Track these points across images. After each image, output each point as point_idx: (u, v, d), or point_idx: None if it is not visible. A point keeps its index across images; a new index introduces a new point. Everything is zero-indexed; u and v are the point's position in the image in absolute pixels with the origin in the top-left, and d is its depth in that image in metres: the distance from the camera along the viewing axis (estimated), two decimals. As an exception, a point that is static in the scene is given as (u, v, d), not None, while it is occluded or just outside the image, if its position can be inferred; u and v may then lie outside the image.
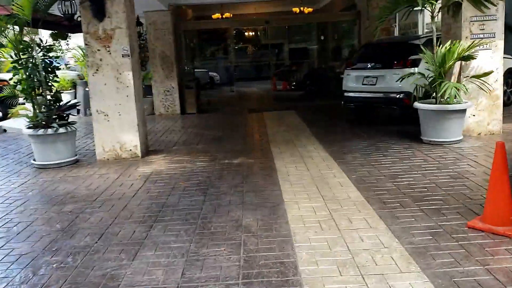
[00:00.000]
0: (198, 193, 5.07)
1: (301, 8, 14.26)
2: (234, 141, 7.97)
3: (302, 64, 17.36)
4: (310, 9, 14.32)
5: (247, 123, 10.11)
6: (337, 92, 12.81)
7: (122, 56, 6.76)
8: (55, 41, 16.08)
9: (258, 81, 20.51)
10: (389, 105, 8.35)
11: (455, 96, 6.58)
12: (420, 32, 17.07)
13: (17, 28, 6.53)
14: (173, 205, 4.73)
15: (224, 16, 14.06)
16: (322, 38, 17.51)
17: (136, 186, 5.51)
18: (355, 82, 8.79)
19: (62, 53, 15.72)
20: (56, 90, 6.86)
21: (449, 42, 6.81)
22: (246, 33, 20.64)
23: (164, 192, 5.20)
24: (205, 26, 13.26)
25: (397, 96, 8.05)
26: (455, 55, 6.67)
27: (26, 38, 6.52)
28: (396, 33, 14.29)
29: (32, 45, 6.48)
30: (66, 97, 15.36)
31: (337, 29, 16.48)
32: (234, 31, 18.80)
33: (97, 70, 6.78)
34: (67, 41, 15.92)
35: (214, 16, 14.26)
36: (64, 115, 6.79)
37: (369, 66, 8.59)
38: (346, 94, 9.03)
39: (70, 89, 13.87)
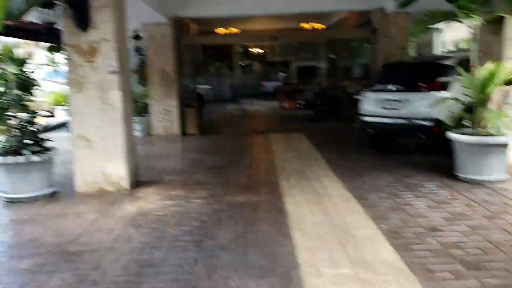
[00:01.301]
0: (190, 246, 4.05)
1: (312, 25, 13.41)
2: (237, 171, 6.98)
3: (310, 83, 16.46)
4: (323, 26, 13.47)
5: (252, 147, 9.13)
6: (348, 114, 11.91)
7: (109, 73, 5.82)
8: (51, 54, 15.28)
9: (264, 99, 19.63)
10: (415, 133, 7.35)
11: (499, 126, 5.58)
12: (434, 52, 16.16)
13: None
14: (157, 264, 3.71)
15: (229, 32, 13.22)
16: (332, 56, 16.65)
17: (117, 231, 4.50)
18: (374, 105, 7.81)
19: (57, 66, 14.85)
20: (32, 110, 5.90)
21: (489, 64, 5.84)
22: (252, 50, 19.82)
23: (148, 242, 4.19)
24: (209, 41, 12.42)
25: (425, 124, 7.05)
26: (498, 79, 5.69)
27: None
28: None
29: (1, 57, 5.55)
30: (62, 114, 14.55)
31: (349, 47, 15.61)
32: (240, 47, 18.01)
33: (79, 88, 5.83)
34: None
35: (219, 31, 13.43)
36: (39, 139, 5.82)
37: (391, 88, 7.61)
38: (363, 118, 8.04)
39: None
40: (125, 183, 5.98)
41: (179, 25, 11.50)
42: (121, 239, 4.29)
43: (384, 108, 7.61)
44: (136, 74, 12.83)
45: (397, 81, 7.61)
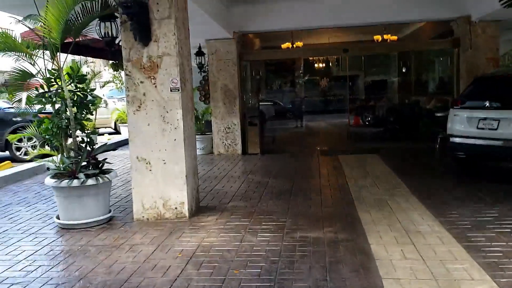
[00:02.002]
0: (259, 297, 3.35)
1: (384, 37, 12.48)
2: (306, 198, 6.21)
3: (381, 98, 15.41)
4: (395, 37, 12.49)
5: (320, 170, 8.33)
6: (427, 133, 10.79)
7: (171, 91, 5.33)
8: (115, 72, 15.46)
9: (330, 116, 18.73)
10: (517, 157, 6.25)
11: None
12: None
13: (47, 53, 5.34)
14: (221, 321, 3.03)
15: (295, 46, 12.61)
16: (405, 69, 15.50)
17: (174, 271, 3.89)
18: (466, 125, 6.78)
19: (121, 83, 14.95)
20: (90, 130, 5.53)
21: None
22: (317, 64, 19.04)
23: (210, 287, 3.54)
24: (273, 56, 11.84)
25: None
26: None
27: (54, 66, 5.29)
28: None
29: (60, 75, 5.22)
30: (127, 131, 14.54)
31: (424, 59, 14.45)
32: (305, 62, 17.35)
33: (139, 107, 5.39)
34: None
35: (283, 46, 12.86)
36: (96, 161, 5.41)
37: (487, 105, 6.56)
38: (452, 140, 7.03)
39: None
40: (185, 209, 5.42)
41: (243, 41, 11.05)
42: (178, 282, 3.67)
43: (479, 128, 6.57)
44: (198, 91, 12.58)
45: (494, 97, 6.55)
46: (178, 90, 5.35)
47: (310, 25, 10.40)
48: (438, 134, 10.02)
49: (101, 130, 15.66)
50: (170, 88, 5.34)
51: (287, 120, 17.00)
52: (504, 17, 9.15)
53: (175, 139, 5.36)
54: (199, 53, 11.02)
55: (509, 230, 4.53)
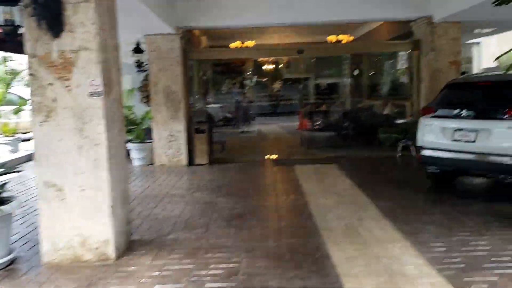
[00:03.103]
0: None
1: (339, 37, 11.77)
2: (263, 226, 5.19)
3: (334, 102, 14.75)
4: (351, 38, 11.82)
5: (275, 186, 7.36)
6: (388, 140, 10.15)
7: (90, 96, 4.13)
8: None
9: (283, 120, 17.92)
10: (499, 173, 5.55)
11: None
12: (474, 70, 14.43)
13: None
14: None
15: (245, 45, 11.61)
16: (358, 72, 14.94)
17: None
18: (440, 136, 6.04)
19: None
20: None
21: None
22: (267, 66, 18.18)
23: None
24: (222, 55, 10.76)
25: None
26: None
27: None
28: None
29: None
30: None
31: (379, 62, 13.92)
32: (256, 63, 16.43)
33: (47, 116, 4.13)
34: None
35: (233, 45, 11.83)
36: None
37: (463, 114, 5.84)
38: (424, 152, 6.27)
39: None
40: (110, 249, 4.23)
41: (188, 38, 9.89)
42: None
43: (454, 140, 5.84)
44: (140, 91, 11.29)
45: (470, 105, 5.85)
46: (100, 95, 4.15)
47: (261, 22, 9.44)
48: (399, 142, 9.41)
49: (29, 135, 13.87)
50: (90, 92, 4.13)
51: (237, 124, 15.96)
52: (467, 18, 8.62)
53: (95, 159, 4.16)
54: (138, 50, 9.75)
55: (507, 269, 3.73)
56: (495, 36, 13.34)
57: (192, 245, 4.58)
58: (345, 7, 9.01)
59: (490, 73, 6.81)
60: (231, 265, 4.03)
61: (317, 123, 14.49)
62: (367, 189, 6.70)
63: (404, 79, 12.40)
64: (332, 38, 11.85)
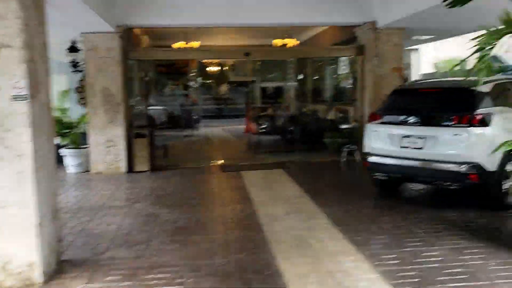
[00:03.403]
0: None
1: (285, 41, 11.67)
2: (209, 240, 4.87)
3: (280, 106, 14.65)
4: (297, 42, 11.76)
5: (221, 193, 7.05)
6: (333, 145, 10.16)
7: (14, 100, 3.63)
8: None
9: (228, 123, 17.60)
10: (444, 180, 5.59)
11: None
12: (413, 76, 14.90)
13: None
14: None
15: (189, 46, 11.20)
16: (303, 76, 14.94)
17: None
18: (388, 143, 6.01)
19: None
20: None
21: None
22: (212, 68, 17.83)
23: None
24: (165, 55, 10.25)
25: (460, 169, 5.32)
26: None
27: None
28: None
29: None
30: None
31: (324, 66, 14.00)
32: (200, 65, 16.05)
33: (-41, 123, 3.58)
34: None
35: (176, 46, 11.38)
36: None
37: (410, 120, 5.85)
38: (371, 159, 6.22)
39: None
40: (36, 273, 3.74)
41: (129, 37, 9.35)
42: None
43: (402, 147, 5.83)
44: (78, 92, 10.58)
45: (417, 112, 5.86)
46: (26, 99, 3.66)
47: (203, 22, 9.08)
48: (344, 147, 9.42)
49: None
50: (12, 96, 3.63)
51: (181, 128, 15.45)
52: (410, 25, 8.77)
53: (19, 172, 3.66)
54: (73, 49, 9.08)
55: (461, 281, 3.67)
56: (432, 43, 13.85)
57: (131, 265, 4.17)
58: (289, 10, 8.88)
59: (435, 80, 6.91)
60: (175, 287, 3.68)
61: (263, 126, 14.35)
62: (316, 195, 6.57)
63: (348, 84, 12.53)
64: (277, 41, 11.73)
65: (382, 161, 6.06)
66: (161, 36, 12.83)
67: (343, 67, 12.45)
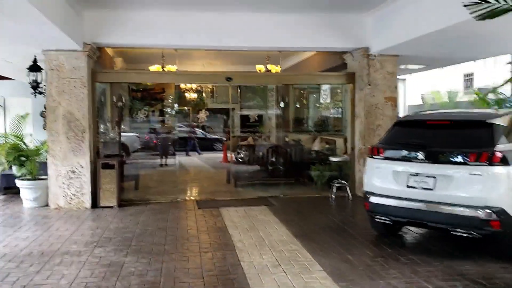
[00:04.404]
0: None
1: (267, 67, 11.00)
2: (185, 301, 3.92)
3: (261, 135, 13.88)
4: (278, 69, 11.10)
5: (199, 237, 6.07)
6: (320, 179, 9.37)
7: None
8: None
9: (205, 151, 16.69)
10: (459, 227, 4.80)
11: None
12: (401, 105, 14.39)
13: None
14: None
15: (166, 70, 10.38)
16: (283, 104, 14.27)
17: None
18: (392, 181, 5.25)
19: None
20: None
21: None
22: (190, 94, 17.02)
23: None
24: (139, 78, 9.31)
25: (479, 214, 4.57)
26: None
27: None
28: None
29: None
30: None
31: (308, 94, 13.38)
32: (178, 90, 15.26)
33: None
34: None
35: (152, 69, 10.55)
36: None
37: (418, 156, 5.10)
38: (373, 199, 5.44)
39: None
40: None
41: (98, 57, 8.47)
42: None
43: (409, 186, 5.07)
44: (42, 117, 9.59)
45: (426, 146, 5.12)
46: None
47: (182, 44, 8.23)
48: (334, 181, 8.66)
49: None
50: None
51: (154, 157, 14.48)
52: (404, 52, 8.22)
53: None
54: (35, 67, 8.13)
55: None
56: (416, 75, 13.46)
57: None
58: (274, 34, 8.20)
59: (444, 111, 6.25)
60: None
61: (242, 155, 13.52)
62: (307, 240, 5.72)
63: (334, 113, 11.90)
64: (260, 68, 11.04)
65: (386, 202, 5.27)
66: (136, 59, 11.99)
67: (329, 95, 11.85)
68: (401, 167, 5.20)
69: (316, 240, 5.75)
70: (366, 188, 5.62)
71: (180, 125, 18.20)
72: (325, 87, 12.21)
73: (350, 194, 8.49)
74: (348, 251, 5.32)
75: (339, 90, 11.35)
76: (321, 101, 12.62)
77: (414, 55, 8.63)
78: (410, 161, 5.16)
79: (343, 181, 8.57)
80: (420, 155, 5.05)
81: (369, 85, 8.46)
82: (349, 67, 9.14)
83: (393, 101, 8.68)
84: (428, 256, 5.10)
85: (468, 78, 22.26)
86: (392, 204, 5.21)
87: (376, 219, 5.53)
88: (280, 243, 5.66)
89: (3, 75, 11.36)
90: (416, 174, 5.04)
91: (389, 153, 5.41)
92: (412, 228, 6.13)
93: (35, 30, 6.25)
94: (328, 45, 8.56)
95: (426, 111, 6.16)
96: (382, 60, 8.48)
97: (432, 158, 4.99)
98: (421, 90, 15.05)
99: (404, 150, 5.26)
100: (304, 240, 5.75)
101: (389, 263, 4.89)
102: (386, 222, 5.44)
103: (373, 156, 5.56)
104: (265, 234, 6.06)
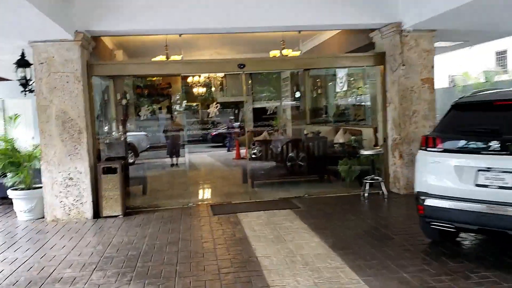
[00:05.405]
0: None
1: (282, 53, 9.96)
2: None
3: (277, 128, 12.83)
4: (296, 53, 10.06)
5: (217, 253, 5.09)
6: (349, 175, 8.34)
7: None
8: None
9: (217, 149, 15.75)
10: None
11: None
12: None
13: None
14: None
15: (171, 60, 9.37)
16: (299, 94, 13.20)
17: None
18: (455, 179, 4.21)
19: None
20: None
21: None
22: (198, 89, 16.04)
23: None
24: (141, 70, 8.27)
25: None
26: None
27: None
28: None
29: None
30: None
31: (328, 80, 12.31)
32: (185, 84, 14.31)
33: None
34: None
35: (155, 60, 9.57)
36: None
37: (490, 147, 4.04)
38: (429, 202, 4.40)
39: None
40: None
41: (94, 48, 7.51)
42: None
43: (478, 185, 4.02)
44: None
45: (497, 133, 4.06)
46: None
47: (186, 27, 7.20)
48: (366, 178, 7.63)
49: None
50: None
51: (163, 156, 13.52)
52: (443, 26, 7.12)
53: None
54: (23, 62, 7.18)
55: None
56: (441, 55, 12.31)
57: None
58: (293, 12, 7.15)
59: (506, 90, 5.17)
60: None
61: (257, 152, 12.51)
62: (347, 253, 4.72)
63: (358, 101, 10.84)
64: (275, 54, 10.00)
65: (448, 206, 4.23)
66: (138, 51, 11.03)
67: (354, 80, 10.79)
68: (467, 161, 4.15)
69: (359, 253, 4.75)
70: (419, 188, 4.59)
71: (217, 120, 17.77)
72: (342, 74, 11.12)
73: (385, 192, 7.46)
74: (402, 267, 4.30)
75: (361, 75, 10.30)
76: (341, 88, 11.54)
77: (453, 29, 7.53)
78: (478, 153, 4.11)
79: (378, 177, 7.53)
80: (493, 145, 3.99)
81: (403, 65, 7.38)
82: (377, 47, 8.07)
83: (431, 83, 7.60)
84: (506, 271, 4.05)
85: (501, 56, 20.87)
86: (457, 208, 4.17)
87: (434, 226, 4.49)
88: (315, 258, 4.66)
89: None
90: (488, 169, 3.99)
91: (449, 143, 4.36)
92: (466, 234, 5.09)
93: (15, 17, 5.30)
94: (354, 21, 7.46)
95: (482, 91, 5.07)
96: (417, 37, 7.40)
97: (508, 148, 3.93)
98: (447, 72, 13.86)
99: (468, 140, 4.20)
100: (345, 253, 4.74)
101: (458, 283, 3.86)
102: (447, 229, 4.40)
103: (428, 148, 4.51)
104: (295, 247, 5.06)
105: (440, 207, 4.32)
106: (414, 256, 4.64)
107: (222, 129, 18.63)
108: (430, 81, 7.56)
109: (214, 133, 18.55)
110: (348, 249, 4.90)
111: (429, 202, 4.41)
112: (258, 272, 4.33)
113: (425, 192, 4.47)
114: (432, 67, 7.58)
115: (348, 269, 4.30)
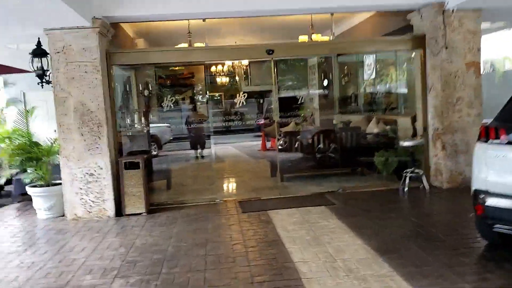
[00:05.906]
0: None
1: (312, 38, 9.40)
2: None
3: (305, 119, 12.28)
4: (326, 38, 9.47)
5: (248, 257, 4.64)
6: (387, 169, 7.76)
7: None
8: None
9: (244, 141, 15.30)
10: None
11: None
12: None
13: None
14: None
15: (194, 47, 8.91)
16: (327, 83, 12.61)
17: None
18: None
19: None
20: None
21: None
22: (221, 79, 15.56)
23: None
24: (164, 58, 7.75)
25: None
26: None
27: None
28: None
29: None
30: None
31: (354, 69, 11.68)
32: (208, 74, 13.90)
33: None
34: None
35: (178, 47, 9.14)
36: None
37: None
38: (492, 202, 3.85)
39: None
40: None
41: (113, 35, 7.11)
42: None
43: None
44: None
45: None
46: None
47: (212, 10, 6.68)
48: (406, 171, 7.06)
49: None
50: None
51: (187, 149, 13.15)
52: (490, 3, 6.44)
53: None
54: (39, 52, 6.84)
55: None
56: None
57: None
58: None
59: None
60: None
61: (282, 142, 12.01)
62: (395, 258, 4.22)
63: (390, 88, 10.20)
64: (304, 39, 9.44)
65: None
66: (160, 39, 10.61)
67: (383, 66, 10.14)
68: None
69: (408, 258, 4.22)
70: (477, 185, 4.03)
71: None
72: (372, 61, 10.47)
73: (427, 186, 6.87)
74: (460, 274, 3.76)
75: (393, 61, 9.66)
76: (371, 75, 10.90)
77: (501, 8, 6.83)
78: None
79: (418, 170, 6.95)
80: None
81: (446, 48, 6.73)
82: (416, 29, 7.42)
83: (477, 67, 6.93)
84: None
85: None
86: (526, 209, 3.60)
87: (497, 229, 3.93)
88: (359, 264, 4.15)
89: (19, 68, 10.25)
90: None
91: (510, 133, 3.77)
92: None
93: (29, 3, 4.92)
94: (392, 1, 6.84)
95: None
96: (461, 17, 6.73)
97: None
98: (483, 56, 12.95)
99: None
100: (392, 258, 4.23)
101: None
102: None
103: (489, 140, 3.94)
104: (335, 250, 4.57)
105: (504, 207, 3.75)
106: (472, 262, 4.10)
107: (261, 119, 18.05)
108: (476, 65, 6.90)
109: (261, 122, 18.05)
110: (394, 252, 4.39)
111: (491, 201, 3.85)
112: (296, 281, 3.86)
113: (486, 191, 3.91)
114: (478, 49, 6.90)
115: (398, 278, 3.79)
